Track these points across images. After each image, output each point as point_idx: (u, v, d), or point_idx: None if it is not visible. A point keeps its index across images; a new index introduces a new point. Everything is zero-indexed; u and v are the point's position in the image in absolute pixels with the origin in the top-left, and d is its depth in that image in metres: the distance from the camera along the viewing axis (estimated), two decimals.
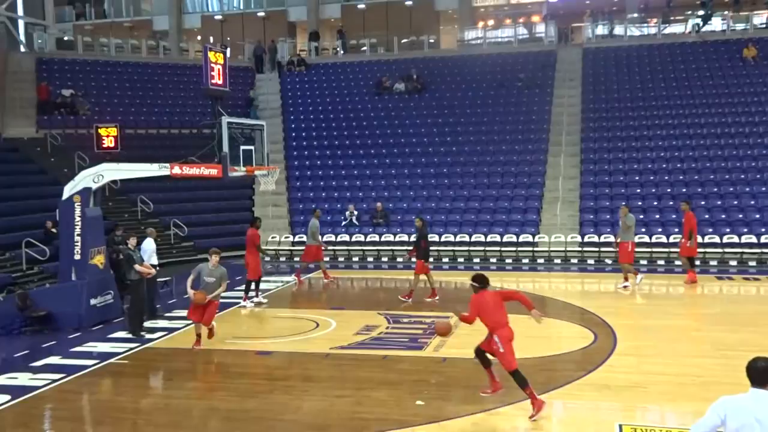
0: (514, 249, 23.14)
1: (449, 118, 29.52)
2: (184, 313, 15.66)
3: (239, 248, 26.35)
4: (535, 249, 23.17)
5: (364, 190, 27.10)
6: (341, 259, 24.41)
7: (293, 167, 29.00)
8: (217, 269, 12.02)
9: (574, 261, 22.44)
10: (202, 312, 12.37)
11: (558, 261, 22.70)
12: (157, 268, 15.23)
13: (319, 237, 19.29)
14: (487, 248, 23.37)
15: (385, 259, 23.92)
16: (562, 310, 15.89)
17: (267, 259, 24.56)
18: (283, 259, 24.64)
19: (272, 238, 25.14)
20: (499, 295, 9.23)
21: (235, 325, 14.98)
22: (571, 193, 25.19)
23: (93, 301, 14.71)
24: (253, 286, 16.56)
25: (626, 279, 17.36)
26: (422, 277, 16.42)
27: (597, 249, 22.59)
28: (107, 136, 25.24)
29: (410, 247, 17.84)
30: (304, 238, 24.32)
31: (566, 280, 19.71)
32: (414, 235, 17.04)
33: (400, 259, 23.67)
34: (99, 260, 14.94)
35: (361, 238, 24.71)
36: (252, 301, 16.41)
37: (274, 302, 17.07)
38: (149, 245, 15.02)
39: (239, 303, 16.24)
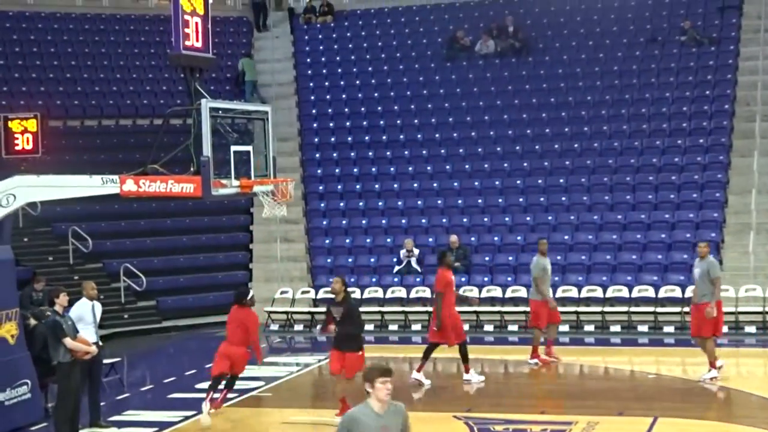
0: (677, 310, 22.84)
1: (568, 95, 29.48)
2: (141, 415, 15.87)
3: (229, 311, 26.73)
4: None
5: (429, 214, 27.20)
6: (393, 326, 24.43)
7: (314, 179, 29.29)
8: (394, 411, 7.82)
9: None
10: None
11: (752, 329, 22.30)
12: (100, 344, 15.44)
13: (548, 288, 19.28)
14: (634, 308, 23.12)
15: (464, 327, 23.76)
16: (758, 410, 15.60)
17: (272, 327, 24.70)
18: (299, 327, 24.77)
19: (282, 293, 25.34)
20: (248, 317, 15.57)
21: None
22: None
23: None
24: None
25: (712, 365, 17.14)
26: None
27: None
28: (22, 133, 25.82)
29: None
30: (399, 292, 24.70)
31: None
32: (335, 308, 15.25)
33: (489, 327, 23.61)
34: (8, 331, 15.20)
35: (426, 292, 24.72)
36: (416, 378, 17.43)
37: (284, 397, 17.12)
38: (82, 310, 15.15)
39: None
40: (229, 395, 16.26)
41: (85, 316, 14.85)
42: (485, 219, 26.56)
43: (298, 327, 24.74)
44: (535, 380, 18.68)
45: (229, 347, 15.71)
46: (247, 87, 32.00)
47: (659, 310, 22.88)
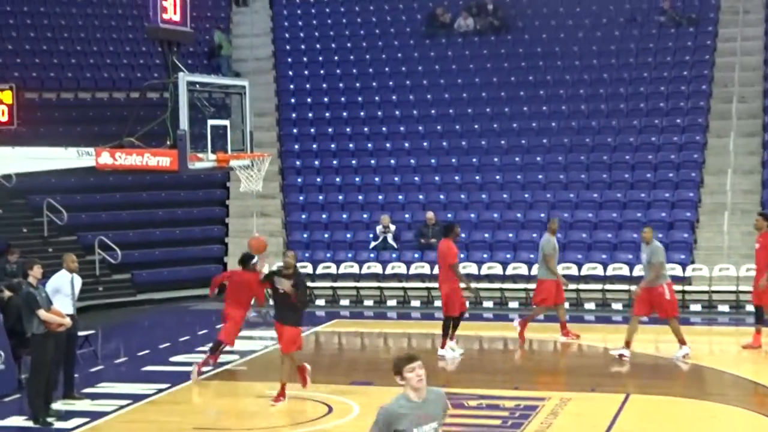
0: None
1: (546, 74, 29.54)
2: (115, 387, 15.90)
3: (204, 285, 26.74)
4: (688, 288, 22.99)
5: (406, 190, 27.26)
6: (368, 302, 24.51)
7: (291, 154, 29.29)
8: (434, 398, 7.14)
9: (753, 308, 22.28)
10: None
11: (725, 308, 22.49)
12: (75, 317, 15.44)
13: (556, 266, 19.35)
14: (608, 285, 23.28)
15: (439, 302, 23.88)
16: (730, 388, 15.78)
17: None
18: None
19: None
20: (253, 279, 15.84)
21: (199, 407, 15.11)
22: (749, 198, 25.07)
23: None
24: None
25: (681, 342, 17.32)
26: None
27: None
28: None
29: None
30: (375, 268, 24.86)
31: (739, 340, 19.56)
32: (280, 278, 14.75)
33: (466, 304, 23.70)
34: None
35: (402, 268, 24.81)
36: (451, 348, 17.73)
37: (259, 371, 17.18)
38: (60, 281, 15.17)
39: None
40: (204, 369, 16.32)
41: (62, 288, 14.86)
42: (462, 196, 26.63)
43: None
44: (508, 356, 18.81)
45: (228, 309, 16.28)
46: (223, 61, 31.90)
47: (633, 288, 22.97)
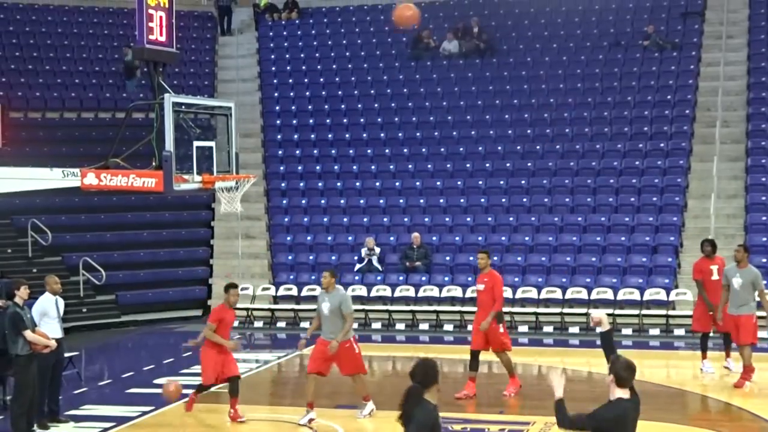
0: (635, 312, 23.00)
1: (531, 97, 29.62)
2: (98, 409, 15.78)
3: (189, 307, 26.77)
4: (672, 313, 23.00)
5: (391, 213, 27.24)
6: (354, 325, 24.36)
7: (276, 176, 29.26)
8: None
9: None
10: None
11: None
12: (62, 341, 15.32)
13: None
14: (591, 309, 23.22)
15: (424, 326, 23.93)
16: (713, 413, 15.82)
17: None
18: (259, 324, 24.74)
19: (242, 290, 25.23)
20: None
21: (182, 430, 15.02)
22: (732, 222, 25.14)
23: None
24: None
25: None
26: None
27: None
28: None
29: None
30: (360, 291, 24.65)
31: (719, 364, 19.49)
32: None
33: (449, 327, 23.66)
34: None
35: (387, 291, 24.77)
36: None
37: (242, 394, 17.09)
38: (47, 304, 15.05)
39: None
40: (187, 391, 16.21)
41: (50, 311, 14.80)
42: (447, 219, 26.63)
43: (258, 324, 24.73)
44: (493, 380, 18.72)
45: None
46: (136, 82, 31.43)
47: (618, 312, 23.01)
